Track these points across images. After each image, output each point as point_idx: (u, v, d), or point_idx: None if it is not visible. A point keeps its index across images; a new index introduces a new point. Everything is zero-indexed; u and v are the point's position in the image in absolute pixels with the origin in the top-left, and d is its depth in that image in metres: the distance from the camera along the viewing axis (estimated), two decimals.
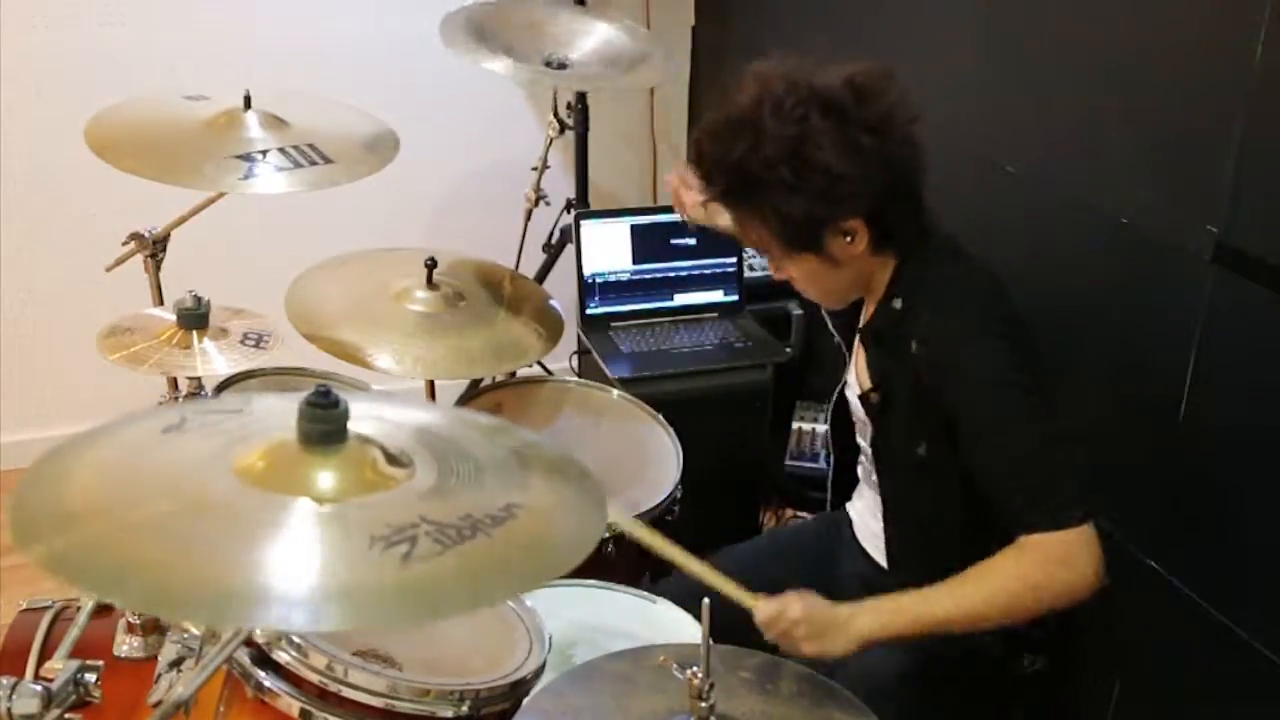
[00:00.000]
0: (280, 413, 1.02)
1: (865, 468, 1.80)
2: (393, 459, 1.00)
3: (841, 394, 1.82)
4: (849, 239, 1.55)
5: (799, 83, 1.51)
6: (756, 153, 1.50)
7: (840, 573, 1.82)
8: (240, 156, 1.76)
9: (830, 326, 1.85)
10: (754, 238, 1.61)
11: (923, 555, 1.66)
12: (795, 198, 1.50)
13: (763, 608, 1.51)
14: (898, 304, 1.59)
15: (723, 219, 1.92)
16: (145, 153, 1.79)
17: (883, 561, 1.74)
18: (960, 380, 1.51)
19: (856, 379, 1.73)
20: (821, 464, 2.72)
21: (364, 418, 1.02)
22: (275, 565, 0.87)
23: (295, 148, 1.80)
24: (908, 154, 1.54)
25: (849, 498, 1.90)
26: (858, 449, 1.81)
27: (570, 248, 2.75)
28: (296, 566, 0.88)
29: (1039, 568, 1.44)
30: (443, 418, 1.14)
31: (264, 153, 1.78)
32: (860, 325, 1.70)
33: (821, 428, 2.74)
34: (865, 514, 1.81)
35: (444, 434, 1.09)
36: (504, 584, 0.94)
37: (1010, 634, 1.57)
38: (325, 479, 0.96)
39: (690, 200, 1.95)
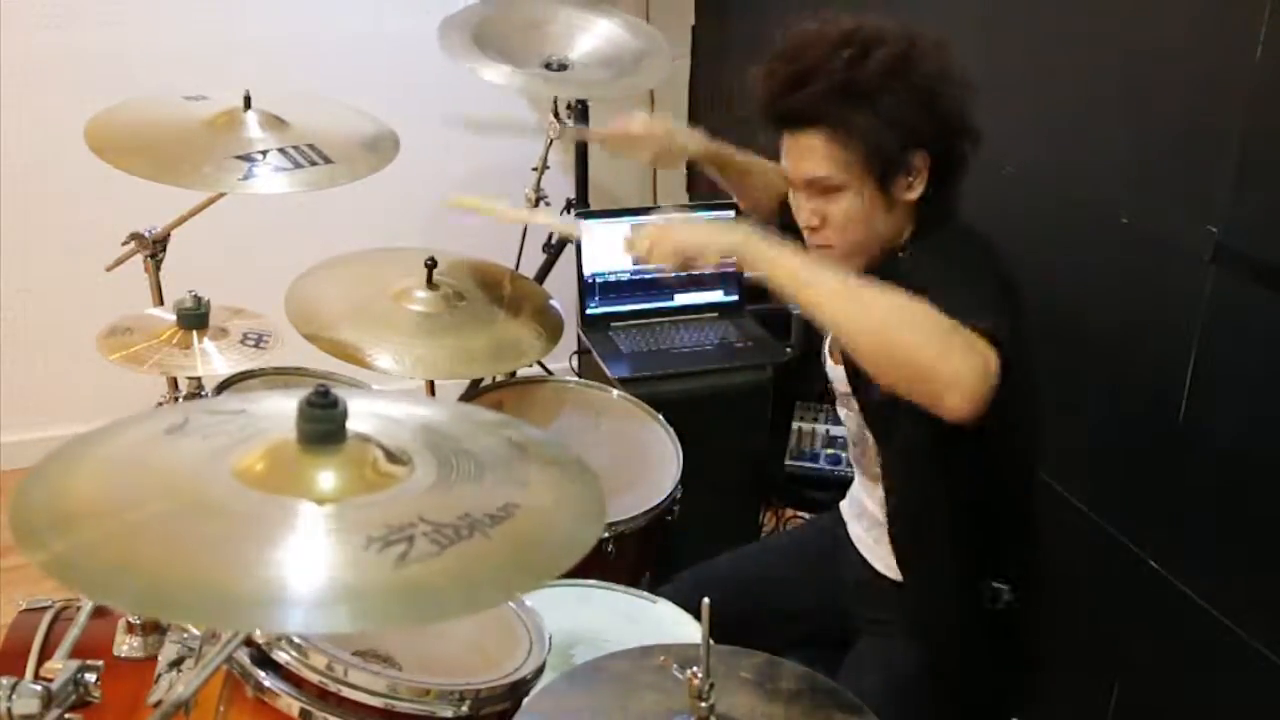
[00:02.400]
0: (280, 413, 1.02)
1: (856, 452, 1.78)
2: (392, 457, 1.00)
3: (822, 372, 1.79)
4: (910, 179, 1.55)
5: (883, 21, 1.56)
6: (865, 60, 1.51)
7: (836, 572, 1.82)
8: (240, 157, 1.76)
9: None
10: (833, 158, 1.54)
11: (921, 527, 1.63)
12: (899, 108, 1.51)
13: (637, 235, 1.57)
14: (902, 254, 1.59)
15: (691, 144, 1.94)
16: (145, 153, 1.79)
17: (875, 561, 1.73)
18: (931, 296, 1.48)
19: (832, 340, 1.71)
20: (821, 464, 2.72)
21: (363, 415, 1.02)
22: (273, 567, 0.87)
23: (295, 148, 1.80)
24: (974, 128, 1.58)
25: (841, 496, 1.89)
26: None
27: (570, 248, 2.75)
28: (294, 568, 0.88)
29: (944, 326, 1.34)
30: (443, 413, 1.14)
31: (264, 153, 1.78)
32: (864, 271, 1.68)
33: (821, 428, 2.74)
34: (857, 508, 1.80)
35: (444, 430, 1.09)
36: (500, 586, 0.94)
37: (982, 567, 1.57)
38: (325, 479, 0.96)
39: (647, 158, 1.94)
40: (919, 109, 1.52)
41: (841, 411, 1.78)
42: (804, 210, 1.61)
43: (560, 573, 0.95)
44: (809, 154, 1.56)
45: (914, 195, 1.56)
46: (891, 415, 1.55)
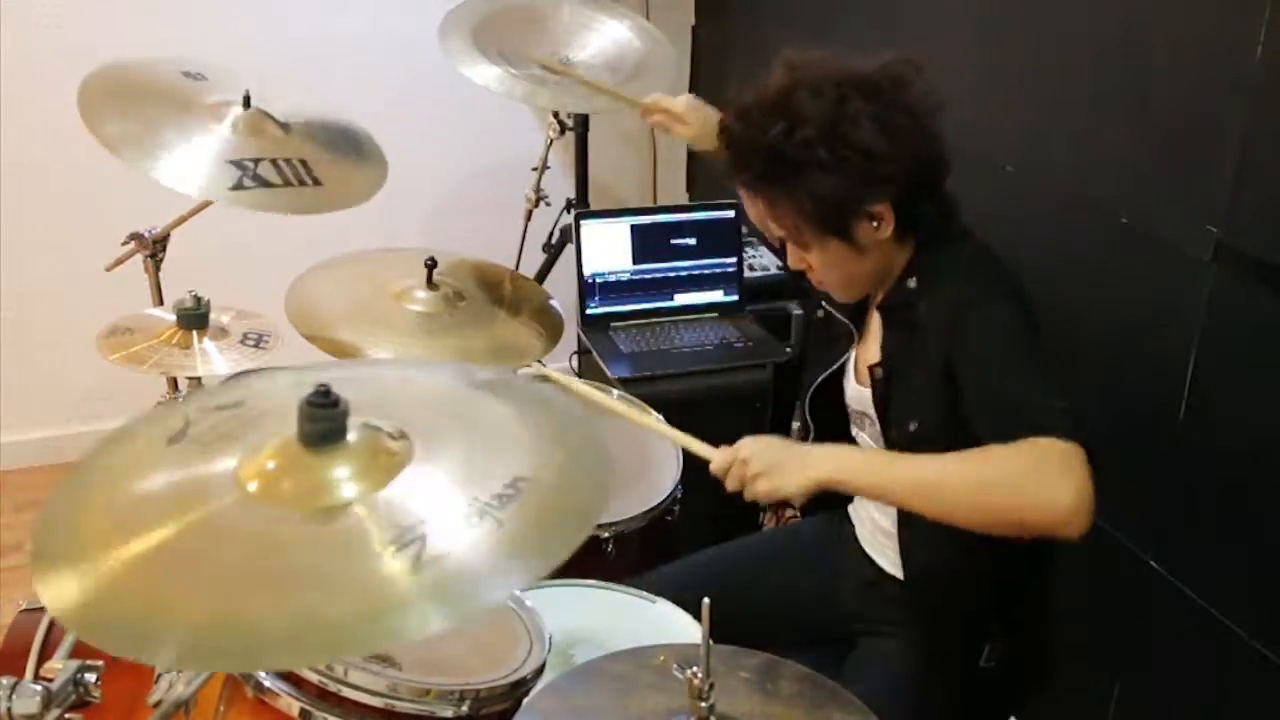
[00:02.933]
0: (277, 401, 1.01)
1: None
2: (394, 436, 1.00)
3: (833, 389, 1.80)
4: (875, 225, 1.55)
5: (833, 67, 1.53)
6: (793, 134, 1.50)
7: (839, 574, 1.82)
8: (232, 162, 1.74)
9: (836, 311, 1.84)
10: (782, 223, 1.59)
11: (933, 540, 1.64)
12: (830, 178, 1.50)
13: (719, 457, 1.51)
14: (911, 283, 1.59)
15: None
16: (130, 119, 1.76)
17: (884, 564, 1.73)
18: (951, 336, 1.50)
19: (861, 361, 1.71)
20: None
21: (346, 380, 1.01)
22: (305, 595, 0.87)
23: (286, 161, 1.78)
24: (935, 141, 1.56)
25: (849, 499, 1.89)
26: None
27: (570, 248, 2.75)
28: (324, 590, 0.87)
29: (1033, 461, 1.32)
30: (432, 376, 1.13)
31: (255, 161, 1.76)
32: (878, 304, 1.69)
33: (813, 435, 2.74)
34: (865, 515, 1.80)
35: (439, 394, 1.08)
36: (517, 572, 0.93)
37: (973, 622, 1.57)
38: (342, 482, 0.95)
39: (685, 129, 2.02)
40: (855, 172, 1.50)
41: (854, 429, 1.77)
42: (789, 256, 1.65)
43: (574, 547, 0.93)
44: (775, 210, 1.59)
45: (884, 235, 1.57)
46: (919, 445, 1.57)
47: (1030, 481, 1.31)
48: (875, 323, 1.68)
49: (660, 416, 1.57)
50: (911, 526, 1.66)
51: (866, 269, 1.62)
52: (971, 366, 1.47)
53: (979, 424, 1.42)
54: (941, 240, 1.60)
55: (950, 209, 1.62)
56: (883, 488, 1.45)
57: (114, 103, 1.78)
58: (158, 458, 1.03)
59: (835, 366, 1.78)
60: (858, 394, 1.71)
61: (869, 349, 1.69)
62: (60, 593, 0.87)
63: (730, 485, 1.50)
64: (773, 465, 1.46)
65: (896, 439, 1.62)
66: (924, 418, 1.55)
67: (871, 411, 1.67)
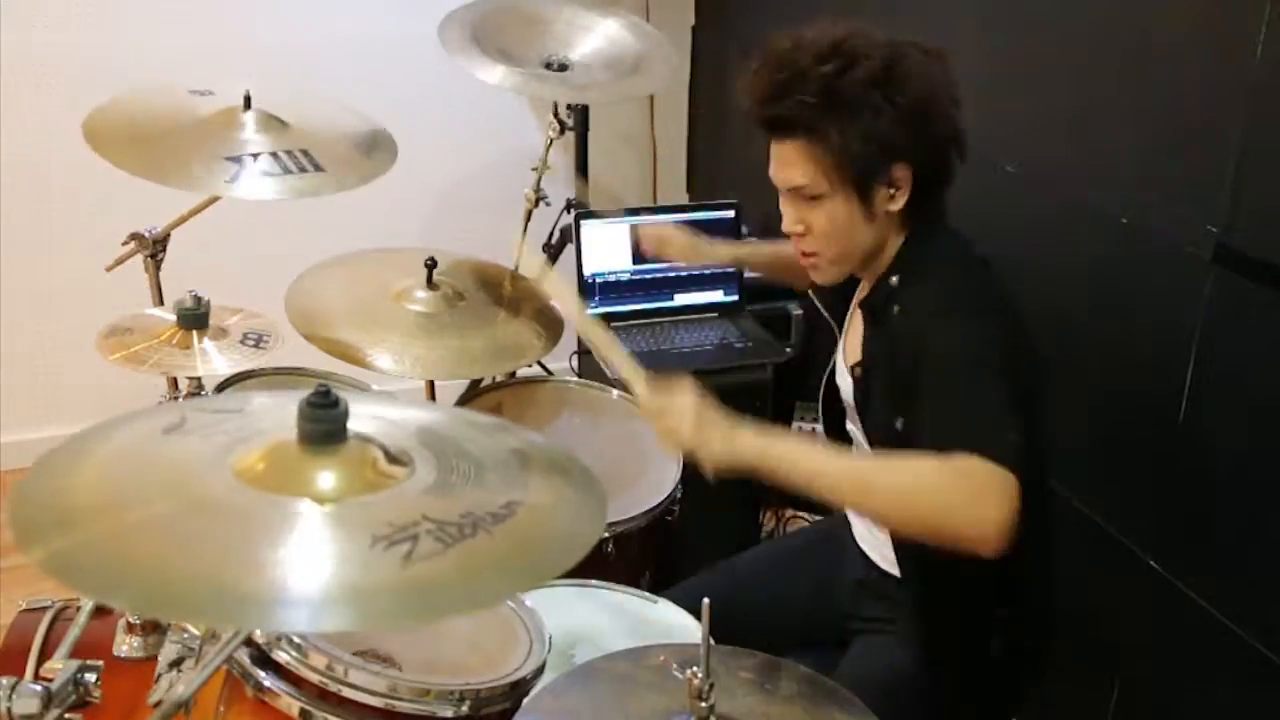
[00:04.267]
0: (278, 413, 1.02)
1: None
2: (393, 458, 1.00)
3: (831, 382, 1.80)
4: (892, 192, 1.56)
5: (874, 30, 1.56)
6: (849, 72, 1.51)
7: (838, 573, 1.82)
8: (231, 158, 1.75)
9: (821, 308, 1.85)
10: (805, 168, 1.56)
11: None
12: (878, 122, 1.51)
13: (653, 389, 1.51)
14: (894, 280, 1.60)
15: (717, 252, 2.09)
16: (135, 146, 1.77)
17: (879, 560, 1.73)
18: (926, 348, 1.50)
19: (845, 357, 1.72)
20: None
21: (364, 417, 1.02)
22: (277, 566, 0.87)
23: (288, 152, 1.79)
24: (961, 136, 1.58)
25: None
26: (849, 441, 1.80)
27: (570, 248, 2.75)
28: (298, 567, 0.87)
29: (966, 482, 1.33)
30: (442, 416, 1.14)
31: (255, 155, 1.76)
32: (860, 300, 1.70)
33: (822, 428, 2.74)
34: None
35: (444, 433, 1.09)
36: (505, 582, 0.94)
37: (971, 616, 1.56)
38: (325, 479, 0.96)
39: (676, 247, 2.06)
40: (900, 123, 1.51)
41: (849, 425, 1.78)
42: (788, 217, 1.63)
43: (565, 568, 0.94)
44: (789, 162, 1.58)
45: (896, 206, 1.57)
46: (903, 444, 1.56)
47: (961, 503, 1.32)
48: (858, 319, 1.69)
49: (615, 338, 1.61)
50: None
51: (864, 242, 1.60)
52: (931, 376, 1.47)
53: (926, 430, 1.43)
54: (931, 236, 1.61)
55: (944, 214, 1.63)
56: (808, 480, 1.40)
57: (123, 132, 1.80)
58: (153, 442, 1.03)
59: (831, 363, 1.78)
60: (846, 389, 1.72)
61: (853, 345, 1.69)
62: (42, 546, 0.88)
63: (650, 419, 1.49)
64: (702, 423, 1.44)
65: (879, 437, 1.63)
66: (901, 421, 1.56)
67: (855, 412, 1.68)
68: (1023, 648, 1.66)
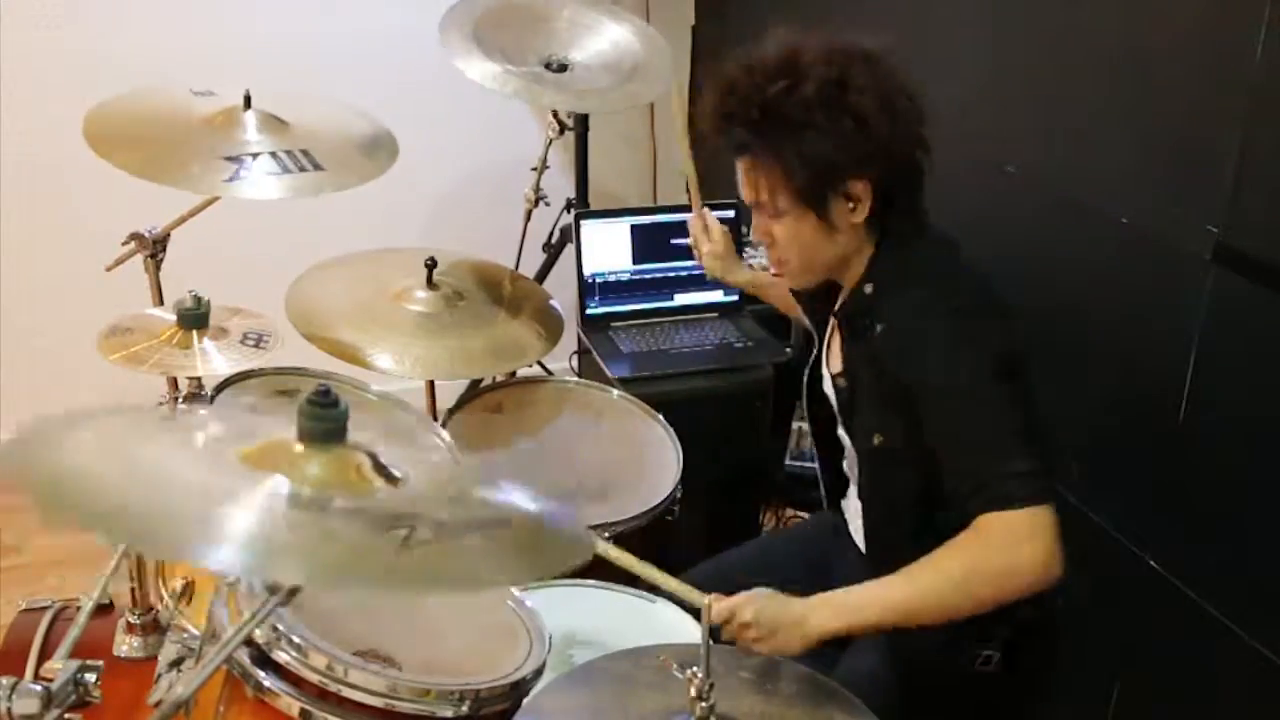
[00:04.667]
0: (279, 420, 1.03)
1: (849, 462, 1.79)
2: (381, 470, 1.00)
3: (817, 388, 1.81)
4: (852, 206, 1.55)
5: (837, 39, 1.55)
6: (794, 91, 1.51)
7: (836, 571, 1.82)
8: (229, 158, 1.75)
9: (804, 314, 1.86)
10: (760, 186, 1.58)
11: (896, 548, 1.64)
12: (822, 141, 1.50)
13: (715, 610, 1.44)
14: (868, 289, 1.60)
15: (736, 276, 2.07)
16: (137, 147, 1.77)
17: None
18: (917, 363, 1.50)
19: (829, 365, 1.73)
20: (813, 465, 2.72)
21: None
22: (229, 515, 0.89)
23: (287, 152, 1.79)
24: (922, 137, 1.56)
25: (842, 495, 1.89)
26: (838, 442, 1.80)
27: (570, 248, 2.75)
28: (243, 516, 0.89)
29: (990, 549, 1.41)
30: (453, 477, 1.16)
31: (254, 155, 1.76)
32: (835, 309, 1.70)
33: (810, 431, 2.74)
34: (855, 511, 1.81)
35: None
36: (504, 569, 0.95)
37: (970, 630, 1.55)
38: (310, 466, 0.97)
39: (707, 250, 2.03)
40: (848, 140, 1.50)
41: (840, 431, 1.78)
42: (756, 228, 1.65)
43: (555, 574, 0.95)
44: (745, 180, 1.60)
45: (859, 219, 1.57)
46: (885, 459, 1.59)
47: (1000, 567, 1.41)
48: (836, 326, 1.69)
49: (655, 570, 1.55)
50: (869, 517, 1.67)
51: (830, 253, 1.61)
52: (937, 421, 1.49)
53: (946, 480, 1.48)
54: (905, 242, 1.60)
55: (920, 218, 1.62)
56: (878, 623, 1.47)
57: (123, 133, 1.79)
58: (152, 427, 1.05)
59: (810, 366, 1.80)
60: (833, 396, 1.72)
61: (834, 354, 1.69)
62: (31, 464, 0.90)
63: (726, 638, 1.47)
64: (772, 629, 1.45)
65: (863, 450, 1.64)
66: (888, 433, 1.57)
67: (841, 420, 1.69)
68: (1026, 656, 1.66)
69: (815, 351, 1.81)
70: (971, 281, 1.59)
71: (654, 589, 1.56)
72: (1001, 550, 1.40)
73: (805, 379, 1.84)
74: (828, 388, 1.75)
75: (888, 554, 1.65)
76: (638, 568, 1.51)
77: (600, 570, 1.69)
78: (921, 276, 1.58)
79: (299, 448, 0.98)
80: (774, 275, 1.71)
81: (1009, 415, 1.46)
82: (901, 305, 1.55)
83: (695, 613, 1.25)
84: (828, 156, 1.51)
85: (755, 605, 1.45)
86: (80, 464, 0.91)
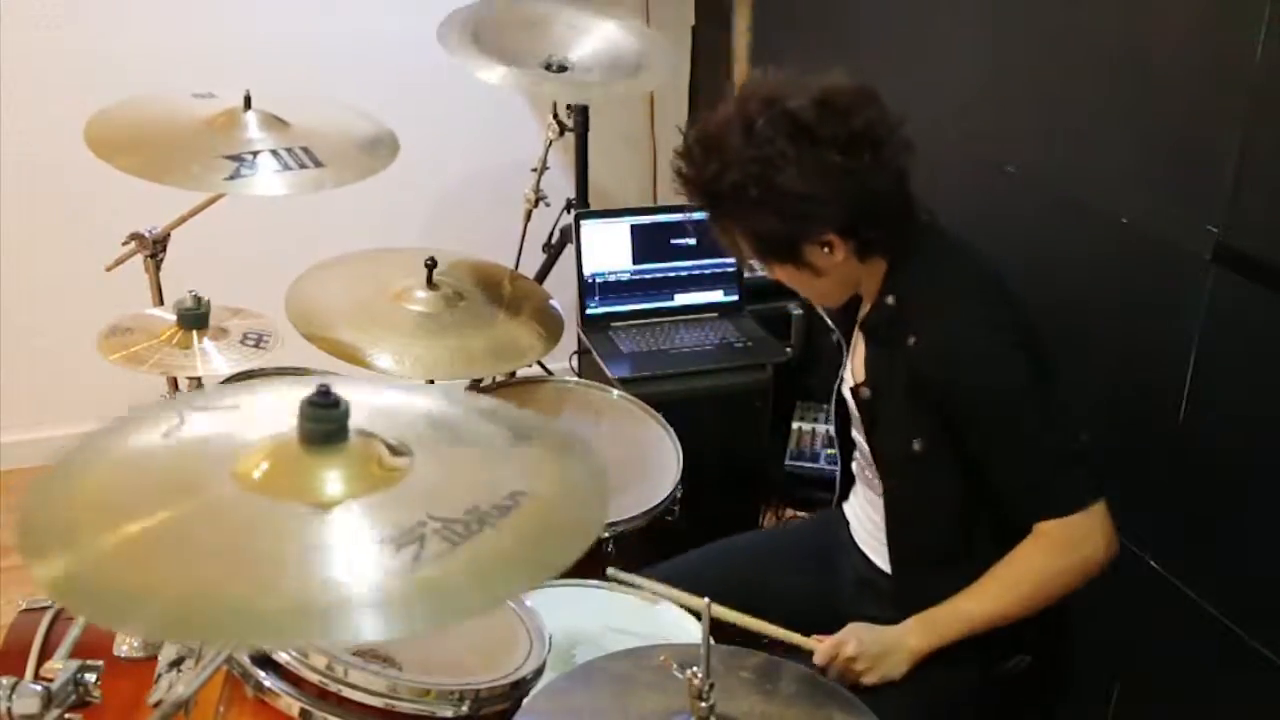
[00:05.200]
0: (275, 409, 1.01)
1: (860, 465, 1.80)
2: (394, 449, 0.99)
3: (840, 394, 1.82)
4: (827, 250, 1.57)
5: (774, 102, 1.52)
6: (724, 175, 1.53)
7: (837, 572, 1.82)
8: (229, 157, 1.75)
9: (829, 321, 1.86)
10: (737, 249, 1.63)
11: (924, 552, 1.66)
12: (765, 216, 1.53)
13: (820, 650, 1.59)
14: (890, 300, 1.60)
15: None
16: (138, 149, 1.78)
17: (880, 561, 1.74)
18: (960, 377, 1.53)
19: (852, 374, 1.73)
20: (821, 464, 2.72)
21: (360, 407, 1.00)
22: (287, 579, 0.86)
23: (288, 150, 1.79)
24: (882, 172, 1.53)
25: (844, 497, 1.90)
26: (851, 444, 1.81)
27: (570, 248, 2.75)
28: (311, 578, 0.86)
29: (1059, 553, 1.53)
30: (440, 400, 1.14)
31: (255, 154, 1.76)
32: (858, 320, 1.71)
33: (821, 428, 2.75)
34: (861, 514, 1.81)
35: (443, 418, 1.08)
36: (514, 579, 0.93)
37: (1002, 637, 1.58)
38: (331, 481, 0.94)
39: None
40: (788, 211, 1.51)
41: (854, 432, 1.78)
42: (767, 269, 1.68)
43: (574, 557, 0.93)
44: (723, 238, 1.63)
45: (840, 258, 1.57)
46: (916, 467, 1.61)
47: (1066, 566, 1.54)
48: (861, 338, 1.69)
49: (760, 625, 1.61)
50: (898, 524, 1.67)
51: (831, 285, 1.65)
52: (985, 436, 1.55)
53: (1003, 496, 1.56)
54: (918, 252, 1.61)
55: (916, 230, 1.62)
56: (966, 635, 1.57)
57: (124, 137, 1.80)
58: (152, 448, 1.02)
59: (839, 376, 1.80)
60: (853, 406, 1.72)
61: (857, 365, 1.70)
62: (47, 566, 0.87)
63: (833, 677, 1.57)
64: (877, 659, 1.57)
65: (891, 456, 1.64)
66: (920, 441, 1.58)
67: (861, 424, 1.70)
68: (1036, 667, 1.66)
69: (842, 363, 1.82)
70: (992, 286, 1.61)
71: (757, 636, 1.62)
72: (1067, 553, 1.53)
73: (835, 389, 1.85)
74: (847, 394, 1.75)
75: (913, 557, 1.66)
76: (750, 625, 1.58)
77: (600, 570, 1.70)
78: (947, 288, 1.59)
79: (307, 458, 0.95)
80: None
81: (1054, 417, 1.54)
82: (934, 314, 1.57)
83: (696, 612, 1.25)
84: (772, 228, 1.54)
85: (855, 639, 1.58)
86: (110, 558, 0.87)
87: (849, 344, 1.78)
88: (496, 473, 1.02)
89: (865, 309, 1.68)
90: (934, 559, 1.64)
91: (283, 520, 0.91)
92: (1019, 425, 1.53)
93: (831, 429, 1.90)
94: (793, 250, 1.57)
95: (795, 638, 1.60)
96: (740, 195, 1.52)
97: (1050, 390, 1.57)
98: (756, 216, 1.54)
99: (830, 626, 1.77)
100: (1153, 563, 1.88)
